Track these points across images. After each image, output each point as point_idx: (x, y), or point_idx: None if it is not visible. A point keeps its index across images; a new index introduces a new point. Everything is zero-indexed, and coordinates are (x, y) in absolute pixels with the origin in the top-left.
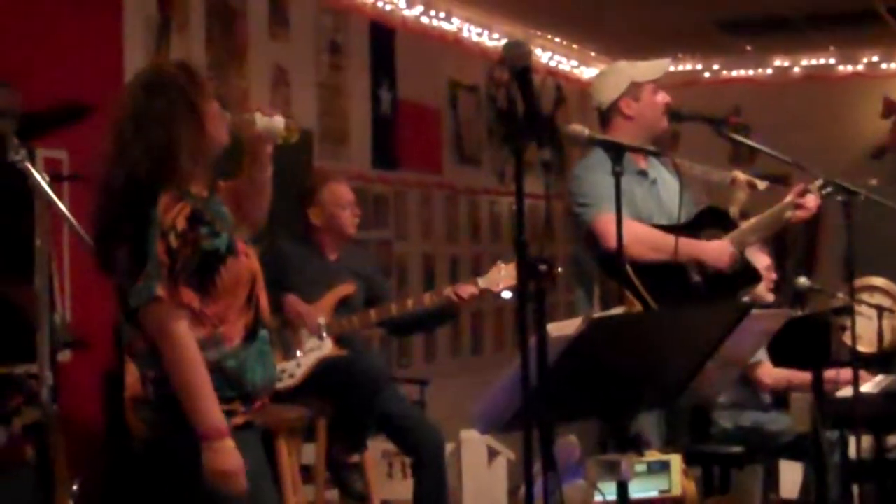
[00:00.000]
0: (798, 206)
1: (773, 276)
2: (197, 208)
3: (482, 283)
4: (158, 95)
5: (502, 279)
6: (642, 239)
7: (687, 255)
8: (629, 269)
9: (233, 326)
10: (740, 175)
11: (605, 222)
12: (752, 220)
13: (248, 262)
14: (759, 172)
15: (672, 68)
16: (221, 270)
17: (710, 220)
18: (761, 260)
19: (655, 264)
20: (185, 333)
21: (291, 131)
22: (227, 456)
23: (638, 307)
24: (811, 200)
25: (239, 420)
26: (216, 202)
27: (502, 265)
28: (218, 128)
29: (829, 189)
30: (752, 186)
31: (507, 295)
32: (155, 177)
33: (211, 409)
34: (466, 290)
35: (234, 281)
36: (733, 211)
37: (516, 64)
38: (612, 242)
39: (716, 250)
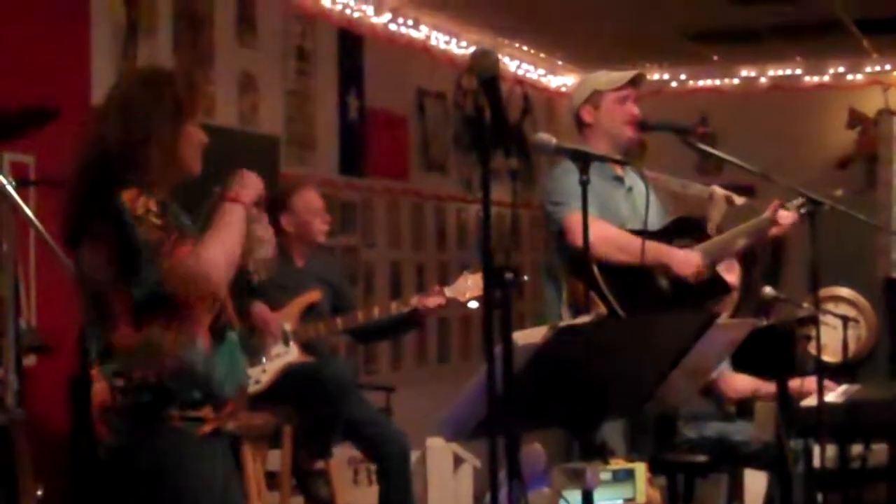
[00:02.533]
0: (773, 223)
1: (735, 295)
2: (160, 200)
3: (449, 292)
4: (150, 89)
5: (469, 288)
6: (610, 239)
7: (654, 258)
8: (595, 269)
9: (197, 332)
10: (718, 190)
11: (577, 221)
12: (726, 234)
13: None
14: (726, 182)
15: None
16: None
17: (684, 229)
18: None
19: (623, 267)
20: (197, 261)
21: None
22: (246, 188)
23: (602, 309)
24: (786, 217)
25: (207, 428)
26: (176, 208)
27: (469, 275)
28: (191, 152)
29: (808, 207)
30: (729, 201)
31: (473, 305)
32: (126, 162)
33: (233, 218)
34: (432, 299)
35: None
36: (710, 225)
37: (484, 73)
38: (580, 240)
39: (682, 257)
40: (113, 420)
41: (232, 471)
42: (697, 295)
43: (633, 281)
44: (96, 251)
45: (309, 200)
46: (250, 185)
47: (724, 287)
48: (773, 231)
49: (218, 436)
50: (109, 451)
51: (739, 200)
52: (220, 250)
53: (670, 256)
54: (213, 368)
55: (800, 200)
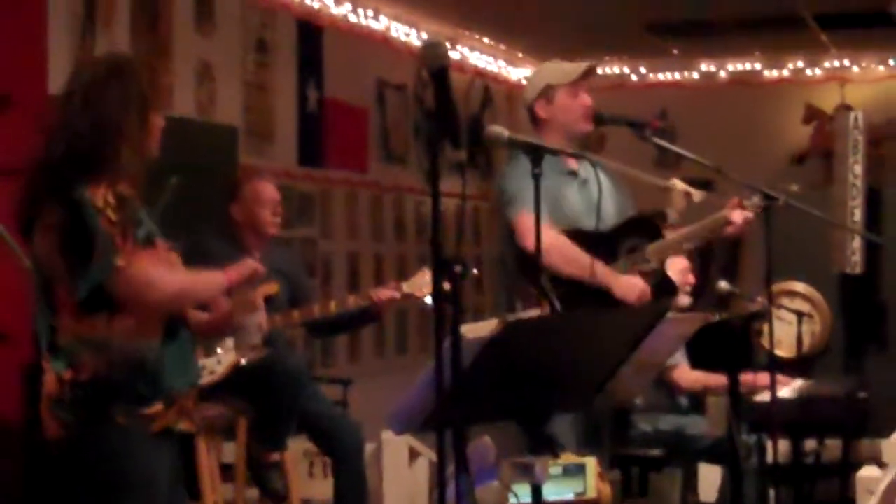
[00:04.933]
0: (729, 222)
1: (691, 278)
2: (117, 193)
3: (406, 287)
4: (117, 79)
5: (426, 284)
6: (560, 249)
7: (600, 279)
8: (543, 272)
9: (151, 325)
10: (678, 184)
11: (527, 222)
12: (681, 232)
13: (167, 256)
14: (684, 176)
15: (599, 71)
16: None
17: (637, 229)
18: (678, 263)
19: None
20: (157, 271)
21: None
22: (240, 270)
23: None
24: (739, 216)
25: (156, 426)
26: (135, 202)
27: (427, 271)
28: (154, 140)
29: (764, 204)
30: (688, 196)
31: (429, 300)
32: (95, 156)
33: (211, 279)
34: (386, 293)
35: None
36: (672, 217)
37: (433, 64)
38: (530, 241)
39: (625, 286)
40: (60, 412)
41: (179, 472)
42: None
43: (578, 284)
44: (48, 240)
45: (259, 191)
46: (243, 270)
47: (671, 289)
48: (729, 230)
49: (168, 434)
50: (56, 444)
51: (698, 196)
52: (177, 280)
53: (615, 282)
54: (163, 364)
55: (758, 199)
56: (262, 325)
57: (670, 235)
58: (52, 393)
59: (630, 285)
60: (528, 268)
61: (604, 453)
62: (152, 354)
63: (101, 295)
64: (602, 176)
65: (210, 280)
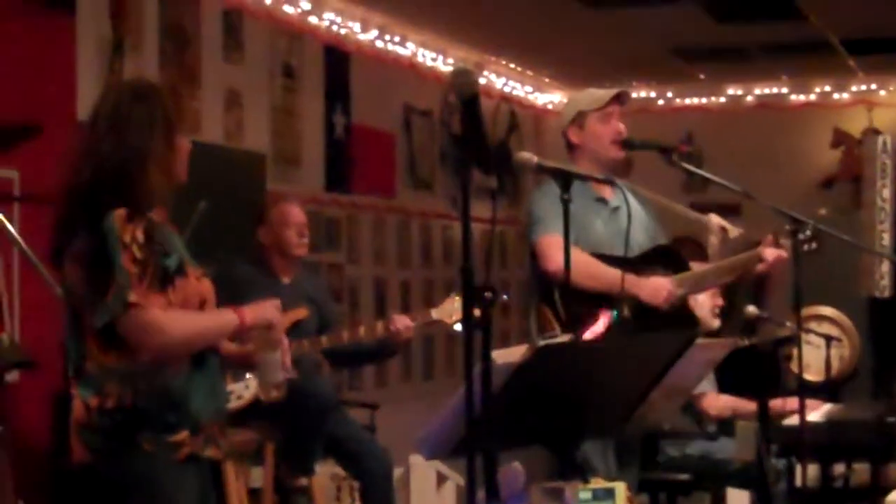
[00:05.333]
0: (761, 260)
1: (719, 301)
2: (148, 227)
3: (435, 314)
4: (142, 103)
5: (455, 311)
6: (583, 266)
7: (627, 291)
8: (557, 295)
9: None
10: (714, 219)
11: (548, 243)
12: (709, 268)
13: (197, 284)
14: (711, 201)
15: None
16: (169, 291)
17: (661, 259)
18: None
19: (588, 296)
20: (164, 315)
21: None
22: (258, 312)
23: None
24: (772, 254)
25: (182, 453)
26: (167, 229)
27: (456, 297)
28: (182, 163)
29: (804, 240)
30: (724, 232)
31: (459, 327)
32: (122, 180)
33: (223, 322)
34: (404, 321)
35: (182, 302)
36: (710, 252)
37: (463, 92)
38: (549, 264)
39: (651, 290)
40: (87, 438)
41: (209, 496)
42: (660, 328)
43: (594, 309)
44: (76, 268)
45: (285, 213)
46: (260, 312)
47: (692, 321)
48: (760, 267)
49: (195, 461)
50: (83, 469)
51: (734, 232)
52: (187, 325)
53: (642, 287)
54: (190, 392)
55: (790, 233)
56: (285, 363)
57: (697, 267)
58: (80, 419)
59: (657, 288)
60: (544, 290)
61: (633, 478)
62: (178, 382)
63: (113, 330)
64: (634, 203)
65: (223, 322)
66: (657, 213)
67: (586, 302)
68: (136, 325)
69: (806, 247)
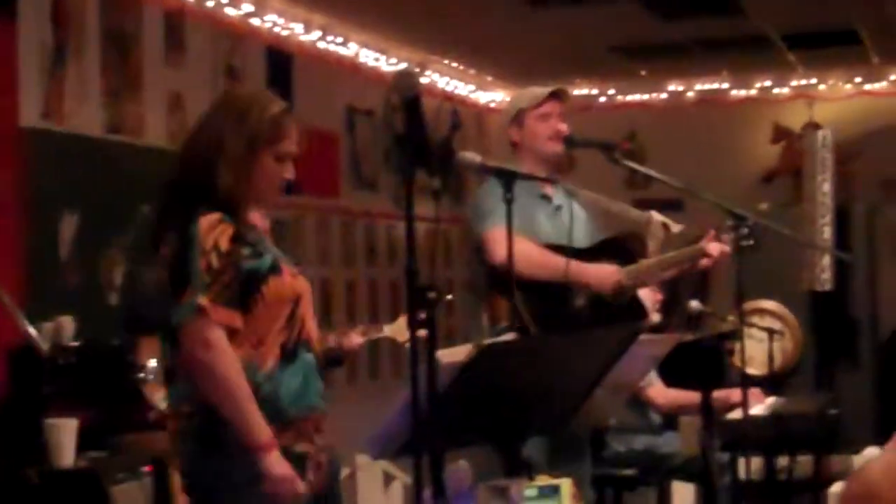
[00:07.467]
0: (704, 254)
1: (659, 295)
2: (239, 229)
3: (388, 330)
4: (229, 107)
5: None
6: (529, 255)
7: (574, 276)
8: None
9: (268, 349)
10: (656, 216)
11: (494, 236)
12: (654, 260)
13: (292, 281)
14: (654, 197)
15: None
16: (263, 289)
17: (610, 251)
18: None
19: (540, 284)
20: (226, 345)
21: None
22: (283, 463)
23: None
24: (716, 249)
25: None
26: (261, 234)
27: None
28: (267, 182)
29: (743, 236)
30: (666, 228)
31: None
32: (203, 181)
33: (258, 421)
34: (355, 339)
35: (276, 299)
36: (650, 250)
37: (406, 93)
38: (496, 255)
39: (599, 276)
40: (181, 445)
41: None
42: (614, 317)
43: (549, 299)
44: (163, 266)
45: None
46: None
47: (642, 312)
48: (704, 262)
49: (286, 456)
50: (182, 475)
51: (676, 228)
52: (230, 365)
53: (589, 274)
54: (278, 388)
55: (731, 228)
56: None
57: (644, 261)
58: (174, 428)
59: (605, 274)
60: (499, 283)
61: (586, 474)
62: (264, 378)
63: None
64: (576, 206)
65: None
66: (596, 213)
67: (543, 294)
68: (194, 336)
69: (744, 242)
